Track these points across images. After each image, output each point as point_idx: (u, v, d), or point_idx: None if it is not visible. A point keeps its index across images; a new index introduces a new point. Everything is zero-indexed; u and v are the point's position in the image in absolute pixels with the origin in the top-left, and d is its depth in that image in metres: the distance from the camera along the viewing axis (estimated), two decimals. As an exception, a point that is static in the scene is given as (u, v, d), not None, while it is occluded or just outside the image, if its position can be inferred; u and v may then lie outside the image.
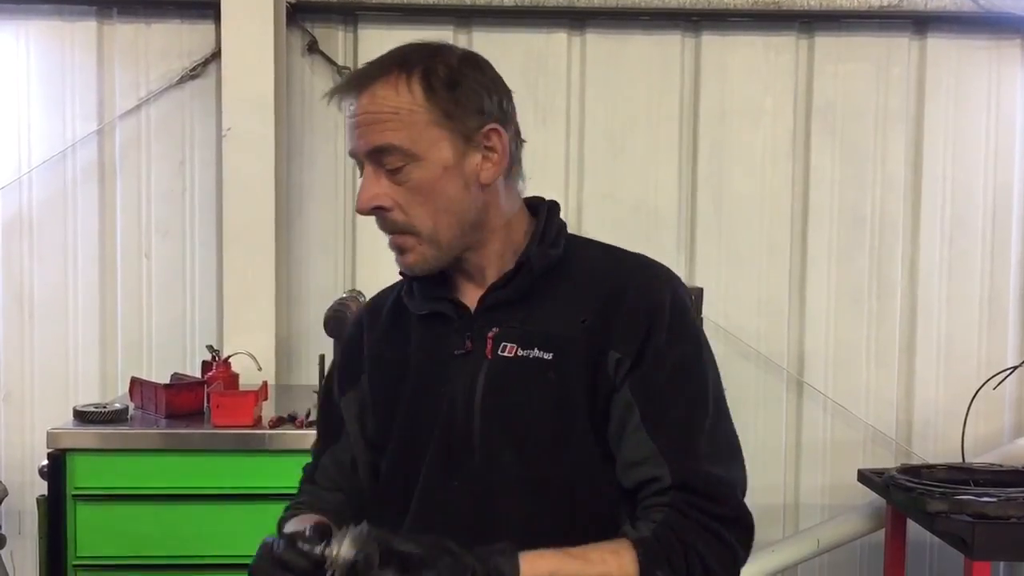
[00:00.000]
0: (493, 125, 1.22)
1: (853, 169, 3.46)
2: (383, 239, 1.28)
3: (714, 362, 1.27)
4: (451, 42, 1.33)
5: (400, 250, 1.26)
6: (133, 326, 3.37)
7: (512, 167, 1.27)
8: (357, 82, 1.22)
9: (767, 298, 3.47)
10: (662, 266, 1.31)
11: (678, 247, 3.43)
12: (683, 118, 3.44)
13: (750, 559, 3.42)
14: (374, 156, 1.21)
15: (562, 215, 1.35)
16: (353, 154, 1.24)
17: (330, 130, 3.42)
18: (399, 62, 1.21)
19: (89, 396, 3.21)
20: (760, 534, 1.42)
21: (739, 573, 1.23)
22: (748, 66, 3.43)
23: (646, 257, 1.32)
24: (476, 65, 1.25)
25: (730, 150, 3.46)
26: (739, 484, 1.22)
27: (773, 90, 3.45)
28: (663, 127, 3.41)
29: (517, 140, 1.28)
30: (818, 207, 3.47)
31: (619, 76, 3.42)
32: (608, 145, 3.40)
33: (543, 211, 1.33)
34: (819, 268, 3.48)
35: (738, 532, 1.19)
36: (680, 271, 1.91)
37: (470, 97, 1.21)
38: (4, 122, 3.35)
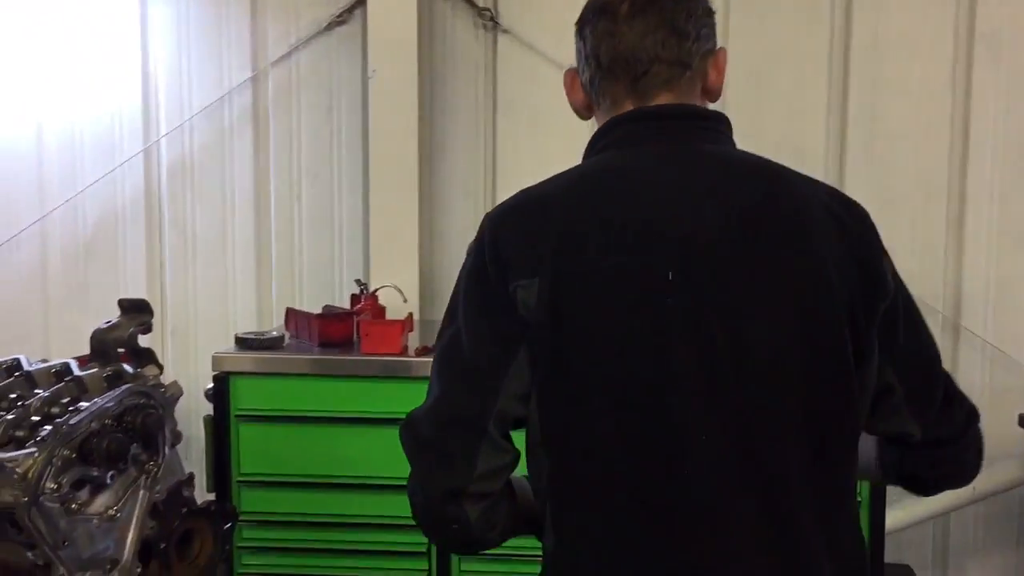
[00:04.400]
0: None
1: (1019, 100, 3.25)
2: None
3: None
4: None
5: None
6: (286, 263, 3.53)
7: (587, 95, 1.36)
8: None
9: (922, 239, 3.31)
10: None
11: (825, 186, 3.32)
12: (833, 50, 3.30)
13: (900, 504, 3.22)
14: None
15: None
16: None
17: (471, 73, 3.46)
18: None
19: (247, 329, 3.39)
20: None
21: None
22: (904, -8, 3.27)
23: None
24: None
25: (883, 83, 3.30)
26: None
27: (932, 17, 3.26)
28: (811, 60, 3.28)
29: (581, 77, 1.36)
30: (979, 142, 3.28)
31: (764, 6, 3.31)
32: (751, 79, 3.30)
33: None
34: (979, 206, 3.29)
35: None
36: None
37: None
38: (167, 72, 3.54)
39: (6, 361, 1.95)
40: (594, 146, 1.31)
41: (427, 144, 3.40)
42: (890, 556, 2.94)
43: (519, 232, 1.20)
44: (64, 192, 3.55)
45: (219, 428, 2.67)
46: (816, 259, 1.19)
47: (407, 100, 3.28)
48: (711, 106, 1.34)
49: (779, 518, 1.16)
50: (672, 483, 1.15)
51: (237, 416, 2.68)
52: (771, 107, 3.29)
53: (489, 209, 3.65)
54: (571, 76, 1.37)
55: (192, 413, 3.27)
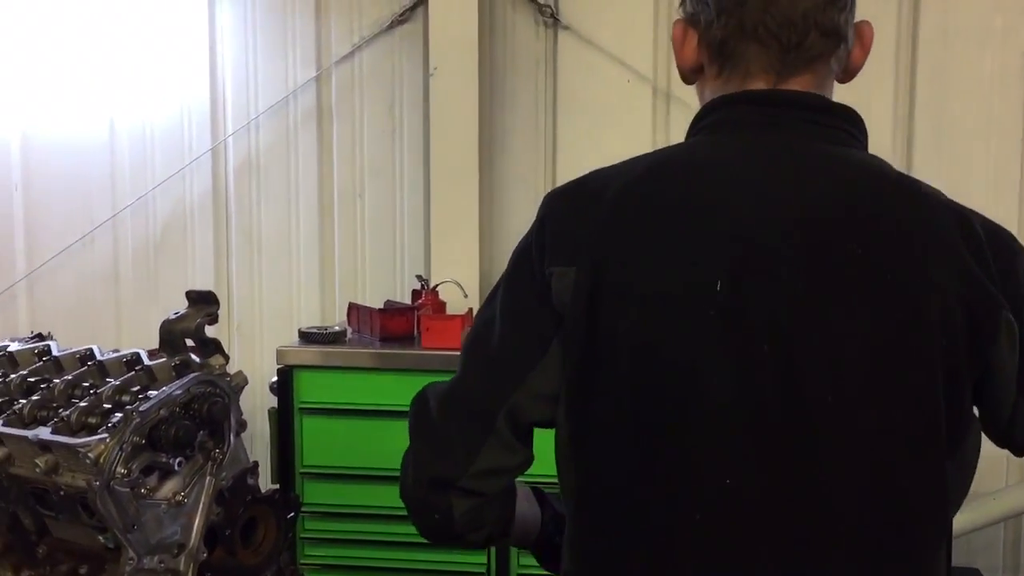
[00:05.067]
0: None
1: (1096, 91, 3.15)
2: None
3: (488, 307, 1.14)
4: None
5: None
6: (348, 259, 3.58)
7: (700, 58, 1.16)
8: None
9: (993, 234, 3.22)
10: None
11: (892, 180, 3.24)
12: (900, 40, 3.23)
13: (970, 506, 3.10)
14: None
15: None
16: None
17: (531, 70, 3.47)
18: None
19: (310, 324, 3.44)
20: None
21: None
22: (975, -19, 3.18)
23: None
24: None
25: (953, 75, 3.22)
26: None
27: (1003, 7, 3.17)
28: (877, 50, 3.16)
29: (706, 35, 1.14)
30: (1054, 135, 3.18)
31: (830, -2, 3.25)
32: (816, 72, 3.24)
33: None
34: (1054, 202, 3.20)
35: None
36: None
37: None
38: (234, 72, 3.62)
39: (79, 351, 2.01)
40: (696, 124, 1.15)
41: (487, 141, 3.42)
42: (959, 560, 2.87)
43: (566, 215, 1.08)
44: (135, 190, 3.65)
45: (283, 420, 2.73)
46: (911, 295, 0.98)
47: (468, 97, 3.30)
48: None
49: None
50: (686, 529, 1.00)
51: (300, 409, 2.73)
52: (835, 98, 3.22)
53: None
54: (683, 29, 1.16)
55: (257, 408, 3.34)
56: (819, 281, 0.99)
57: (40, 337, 2.13)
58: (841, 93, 1.19)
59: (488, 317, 1.11)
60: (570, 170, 3.52)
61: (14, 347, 2.08)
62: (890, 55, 3.23)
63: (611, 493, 1.05)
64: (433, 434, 1.10)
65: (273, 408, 2.76)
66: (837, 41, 1.11)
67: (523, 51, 3.47)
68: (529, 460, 1.11)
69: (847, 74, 1.17)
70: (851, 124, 1.12)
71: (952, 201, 1.08)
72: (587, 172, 1.14)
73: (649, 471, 1.02)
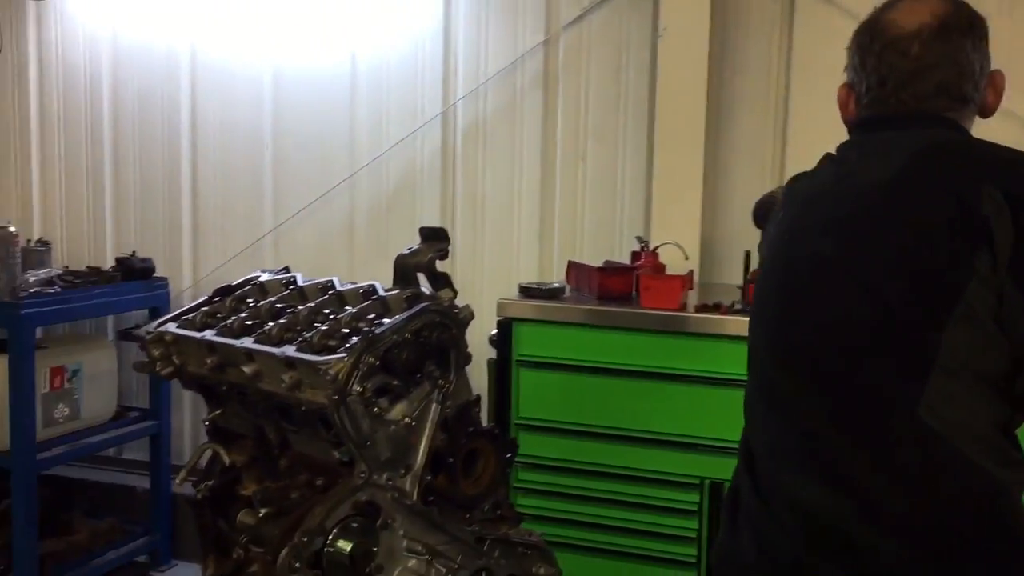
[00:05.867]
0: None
1: None
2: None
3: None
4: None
5: None
6: (568, 220, 3.60)
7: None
8: None
9: None
10: None
11: None
12: None
13: None
14: None
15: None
16: None
17: (765, 30, 3.34)
18: None
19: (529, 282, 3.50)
20: None
21: None
22: None
23: None
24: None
25: None
26: None
27: None
28: None
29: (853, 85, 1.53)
30: None
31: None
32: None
33: None
34: None
35: None
36: None
37: None
38: (465, 38, 3.72)
39: (321, 282, 2.14)
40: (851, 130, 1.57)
41: (715, 105, 3.33)
42: None
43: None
44: (372, 151, 3.84)
45: (501, 371, 2.78)
46: (913, 214, 1.31)
47: (697, 59, 3.22)
48: None
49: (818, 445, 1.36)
50: (757, 354, 1.51)
51: (518, 361, 2.78)
52: None
53: (775, 176, 3.50)
54: (847, 93, 1.53)
55: (475, 362, 3.42)
56: (851, 213, 1.39)
57: (287, 270, 2.29)
58: None
59: None
60: (801, 140, 3.38)
61: (264, 277, 2.24)
62: None
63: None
64: None
65: (492, 359, 2.83)
66: (964, 104, 1.43)
67: (757, 11, 3.35)
68: None
69: (984, 115, 1.48)
70: (949, 126, 1.43)
71: (1001, 150, 1.35)
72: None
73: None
